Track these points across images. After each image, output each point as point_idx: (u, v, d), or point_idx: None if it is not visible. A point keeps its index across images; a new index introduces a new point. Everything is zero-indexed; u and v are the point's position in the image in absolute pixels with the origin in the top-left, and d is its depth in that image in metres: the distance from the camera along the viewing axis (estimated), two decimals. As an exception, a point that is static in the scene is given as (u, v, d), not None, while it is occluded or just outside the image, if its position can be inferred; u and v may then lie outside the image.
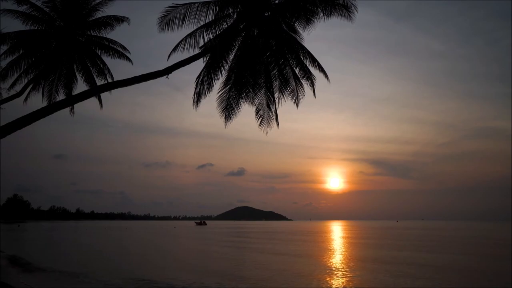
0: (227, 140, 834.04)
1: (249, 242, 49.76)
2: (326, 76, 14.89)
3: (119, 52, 19.17)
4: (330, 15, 13.20)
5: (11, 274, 19.15)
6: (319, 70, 14.87)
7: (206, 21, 13.99)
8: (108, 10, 18.45)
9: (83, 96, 13.11)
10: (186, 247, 41.49)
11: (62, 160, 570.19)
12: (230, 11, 14.08)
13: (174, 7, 13.45)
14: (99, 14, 18.45)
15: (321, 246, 41.22)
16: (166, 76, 12.69)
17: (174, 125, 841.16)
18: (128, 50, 19.38)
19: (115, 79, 19.08)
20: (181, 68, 13.01)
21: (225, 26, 14.35)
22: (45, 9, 17.76)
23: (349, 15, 13.28)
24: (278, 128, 15.73)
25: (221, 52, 14.56)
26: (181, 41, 14.34)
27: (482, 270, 22.39)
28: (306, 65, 14.89)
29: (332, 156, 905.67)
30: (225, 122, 15.40)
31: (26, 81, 18.34)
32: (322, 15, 13.26)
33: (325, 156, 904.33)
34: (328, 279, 18.37)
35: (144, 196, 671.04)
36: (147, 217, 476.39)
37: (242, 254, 32.82)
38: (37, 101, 19.38)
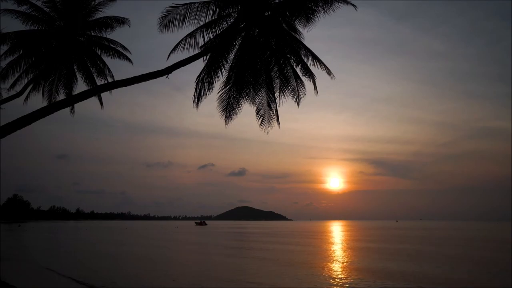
0: (228, 140, 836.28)
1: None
2: (329, 72, 14.78)
3: (119, 52, 19.14)
4: (332, 5, 12.96)
5: (12, 274, 19.12)
6: (321, 68, 14.82)
7: (206, 21, 13.97)
8: (109, 11, 18.45)
9: (83, 96, 13.07)
10: (188, 248, 41.48)
11: (64, 160, 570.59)
12: (230, 11, 14.06)
13: (174, 7, 13.43)
14: (100, 15, 18.43)
15: (325, 255, 41.08)
16: (166, 76, 12.65)
17: (175, 125, 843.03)
18: (128, 50, 19.35)
19: (115, 79, 19.05)
20: (181, 68, 12.94)
21: (225, 25, 14.34)
22: (45, 9, 17.73)
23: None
24: (279, 128, 15.72)
25: (221, 51, 14.54)
26: (181, 40, 14.33)
27: (482, 270, 22.38)
28: (306, 64, 14.86)
29: (332, 156, 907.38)
30: (226, 122, 15.39)
31: (26, 81, 18.30)
32: (322, 12, 13.15)
33: (325, 156, 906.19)
34: None
35: (146, 196, 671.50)
36: (147, 217, 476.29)
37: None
38: (37, 101, 19.38)
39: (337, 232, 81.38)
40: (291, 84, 15.26)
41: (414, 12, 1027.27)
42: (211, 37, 14.39)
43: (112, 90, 15.90)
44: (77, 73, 19.47)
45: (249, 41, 14.59)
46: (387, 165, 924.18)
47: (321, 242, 45.63)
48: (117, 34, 18.80)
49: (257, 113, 15.63)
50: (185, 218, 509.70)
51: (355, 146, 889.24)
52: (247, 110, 15.75)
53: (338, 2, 12.95)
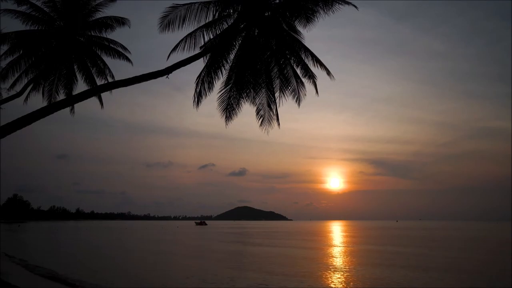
0: (228, 140, 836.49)
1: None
2: (329, 73, 14.77)
3: (119, 52, 19.12)
4: (332, 6, 12.93)
5: (12, 274, 19.11)
6: (321, 68, 14.80)
7: (206, 21, 13.96)
8: (109, 11, 18.42)
9: (83, 96, 13.08)
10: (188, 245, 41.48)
11: (64, 160, 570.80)
12: (231, 11, 14.04)
13: (175, 7, 13.41)
14: (100, 15, 18.41)
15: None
16: (166, 76, 12.65)
17: (175, 125, 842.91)
18: (128, 50, 19.33)
19: (115, 79, 19.03)
20: (182, 68, 12.95)
21: (225, 26, 14.32)
22: (45, 9, 17.71)
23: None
24: (279, 128, 15.70)
25: (222, 51, 14.53)
26: (181, 41, 14.31)
27: (482, 270, 22.38)
28: (307, 64, 14.84)
29: (333, 156, 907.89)
30: (226, 122, 15.36)
31: (26, 81, 18.29)
32: (322, 13, 13.12)
33: (325, 156, 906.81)
34: None
35: (146, 196, 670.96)
36: (147, 217, 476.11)
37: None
38: (37, 101, 19.36)
39: (337, 233, 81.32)
40: (291, 84, 15.25)
41: (414, 12, 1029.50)
42: (211, 37, 14.38)
43: (112, 90, 15.89)
44: (77, 73, 19.45)
45: (249, 41, 14.57)
46: (387, 165, 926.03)
47: (319, 244, 45.45)
48: (117, 34, 18.81)
49: (257, 113, 15.61)
50: (185, 218, 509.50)
51: (355, 146, 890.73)
52: (247, 110, 15.75)
53: (338, 3, 12.93)
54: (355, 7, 13.03)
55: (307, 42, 14.79)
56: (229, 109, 15.27)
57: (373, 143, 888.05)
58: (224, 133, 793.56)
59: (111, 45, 18.95)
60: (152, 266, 23.24)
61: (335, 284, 17.35)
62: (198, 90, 14.84)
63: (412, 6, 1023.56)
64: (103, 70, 19.44)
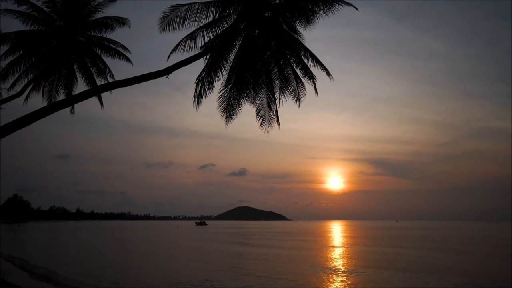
0: (228, 140, 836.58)
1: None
2: (328, 74, 14.78)
3: (119, 52, 19.12)
4: (332, 7, 12.93)
5: (12, 274, 19.11)
6: (321, 68, 14.80)
7: (207, 22, 13.97)
8: (109, 11, 18.42)
9: (83, 96, 13.08)
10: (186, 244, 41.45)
11: (64, 160, 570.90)
12: (231, 11, 14.05)
13: (175, 7, 13.43)
14: (100, 15, 18.41)
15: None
16: (166, 76, 12.66)
17: (175, 125, 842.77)
18: (128, 50, 19.34)
19: (115, 79, 19.03)
20: (182, 68, 12.96)
21: (225, 26, 14.33)
22: (45, 9, 17.73)
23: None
24: (279, 128, 15.71)
25: (222, 52, 14.53)
26: (181, 41, 14.31)
27: (482, 270, 22.38)
28: (307, 64, 14.85)
29: (333, 156, 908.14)
30: (226, 122, 15.37)
31: (26, 81, 18.30)
32: (323, 13, 13.11)
33: (325, 156, 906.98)
34: None
35: (146, 196, 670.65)
36: (147, 217, 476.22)
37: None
38: (37, 101, 19.36)
39: (336, 233, 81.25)
40: (291, 84, 15.25)
41: (414, 12, 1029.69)
42: (211, 37, 14.38)
43: (112, 90, 15.89)
44: (77, 73, 19.45)
45: (249, 41, 14.57)
46: (387, 165, 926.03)
47: (319, 245, 45.34)
48: (117, 34, 18.80)
49: (257, 113, 15.62)
50: (185, 218, 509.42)
51: (355, 146, 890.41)
52: (247, 110, 15.76)
53: (338, 4, 12.93)
54: (355, 8, 13.03)
55: (307, 43, 14.82)
56: (229, 109, 15.27)
57: (373, 143, 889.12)
58: (224, 133, 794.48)
59: (111, 45, 18.96)
60: (152, 266, 23.23)
61: (335, 285, 17.34)
62: (198, 90, 14.84)
63: (412, 6, 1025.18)
64: (103, 70, 19.44)
